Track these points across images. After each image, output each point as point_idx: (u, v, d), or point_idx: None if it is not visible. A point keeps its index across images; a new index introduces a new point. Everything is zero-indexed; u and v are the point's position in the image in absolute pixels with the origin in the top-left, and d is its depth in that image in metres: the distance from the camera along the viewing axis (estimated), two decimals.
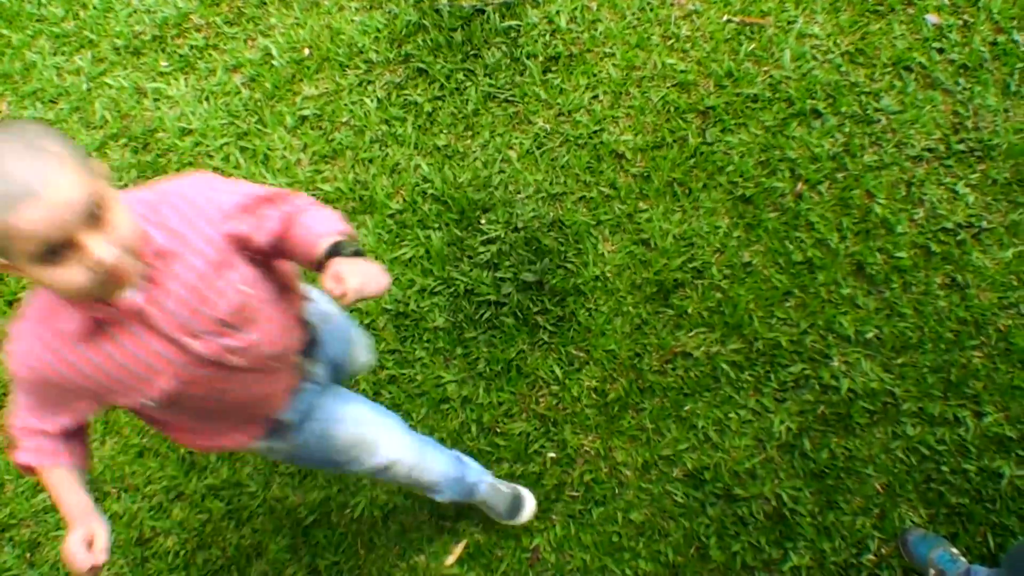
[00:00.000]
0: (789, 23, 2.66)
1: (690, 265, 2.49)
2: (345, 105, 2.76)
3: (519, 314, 2.51)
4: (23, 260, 1.00)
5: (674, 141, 2.59)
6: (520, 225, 2.57)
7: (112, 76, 2.92)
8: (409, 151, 2.69)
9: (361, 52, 2.81)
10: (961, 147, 2.49)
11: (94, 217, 1.01)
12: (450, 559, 2.39)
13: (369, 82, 2.78)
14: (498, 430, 2.46)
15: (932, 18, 2.61)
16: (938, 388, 2.34)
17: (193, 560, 2.46)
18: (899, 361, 2.37)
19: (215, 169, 2.74)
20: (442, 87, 2.74)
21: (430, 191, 2.64)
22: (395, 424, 1.86)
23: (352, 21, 2.85)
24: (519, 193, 2.61)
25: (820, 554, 2.29)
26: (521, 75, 2.72)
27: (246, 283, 1.31)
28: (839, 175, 2.51)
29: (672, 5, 2.73)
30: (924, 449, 2.31)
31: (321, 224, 1.32)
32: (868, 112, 2.55)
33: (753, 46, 2.65)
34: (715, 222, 2.51)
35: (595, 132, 2.63)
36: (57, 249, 0.99)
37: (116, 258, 1.04)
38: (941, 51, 2.58)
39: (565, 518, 2.40)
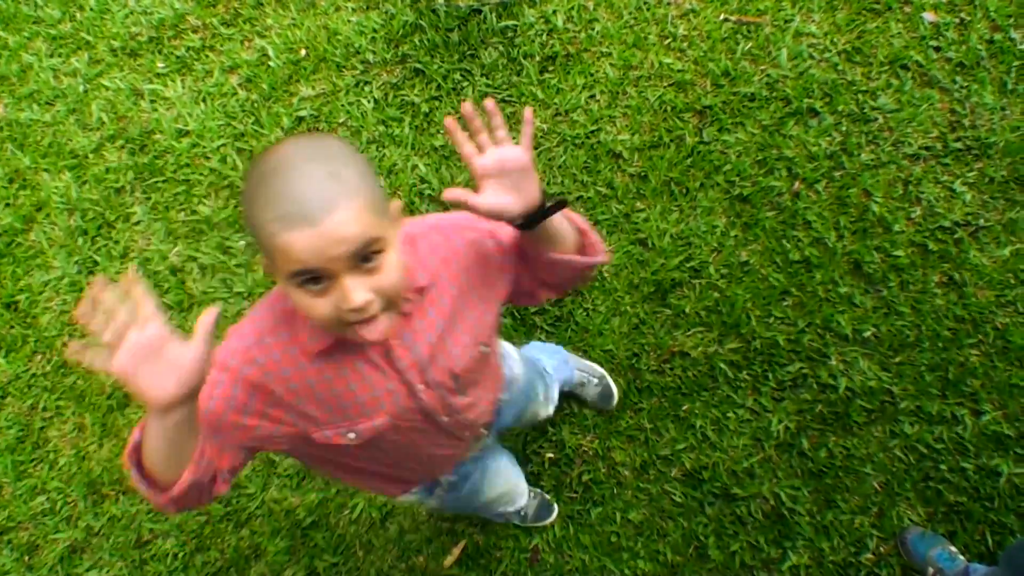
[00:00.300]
0: (786, 22, 2.66)
1: (687, 265, 2.49)
2: (342, 106, 2.76)
3: (516, 314, 2.51)
4: (282, 273, 0.98)
5: (671, 141, 2.58)
6: None
7: (109, 78, 2.92)
8: (406, 152, 2.69)
9: (358, 53, 2.81)
10: (958, 145, 2.49)
11: (364, 259, 0.97)
12: (449, 560, 2.39)
13: (366, 83, 2.78)
14: None
15: (929, 16, 2.61)
16: (936, 386, 2.34)
17: (192, 562, 2.46)
18: (897, 359, 2.37)
19: (212, 170, 2.74)
20: (439, 87, 2.73)
21: (427, 192, 2.64)
22: (521, 473, 1.92)
23: (349, 22, 2.85)
24: None
25: (819, 553, 2.29)
26: (518, 75, 2.72)
27: (483, 339, 1.27)
28: (836, 174, 2.51)
29: (669, 4, 2.73)
30: (922, 447, 2.31)
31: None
32: (865, 111, 2.54)
33: (750, 45, 2.65)
34: (712, 221, 2.51)
35: (592, 132, 2.63)
36: (317, 278, 0.97)
37: (370, 304, 1.00)
38: (938, 49, 2.58)
39: (564, 518, 2.40)
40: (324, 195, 0.93)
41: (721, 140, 2.57)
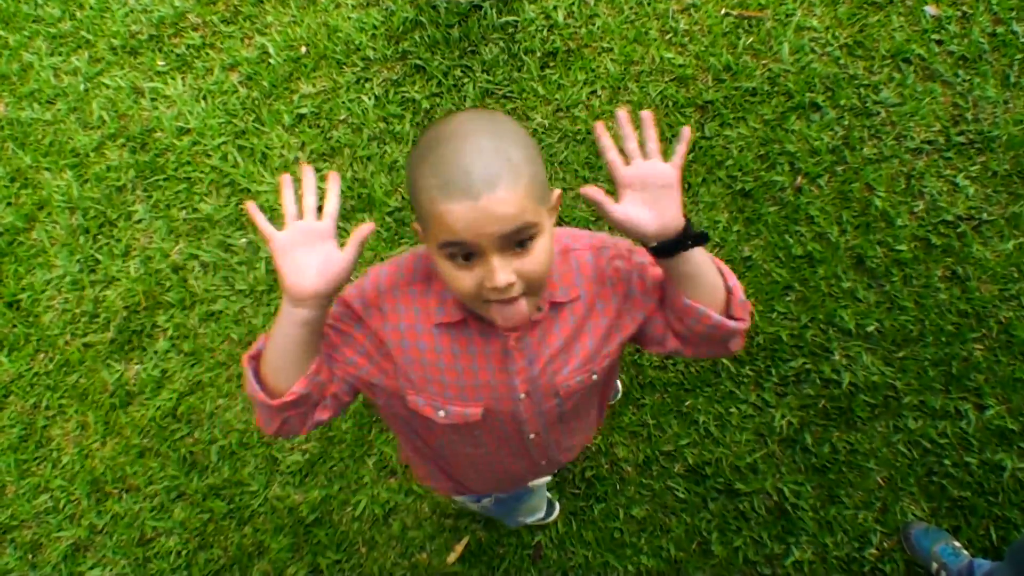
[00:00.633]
0: (787, 16, 2.65)
1: None
2: (343, 103, 2.75)
3: None
4: (432, 240, 0.98)
5: (673, 136, 2.58)
6: None
7: (109, 76, 2.91)
8: (407, 148, 2.69)
9: (358, 49, 2.80)
10: (961, 139, 2.48)
11: (515, 242, 0.96)
12: (452, 556, 2.38)
13: (367, 79, 2.78)
14: None
15: (931, 9, 2.60)
16: (939, 381, 2.34)
17: (195, 560, 2.46)
18: (900, 354, 2.36)
19: (213, 168, 2.74)
20: (440, 84, 2.73)
21: None
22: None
23: (349, 18, 2.84)
24: None
25: (822, 548, 2.29)
26: (519, 71, 2.71)
27: (596, 367, 1.23)
28: (839, 168, 2.50)
29: None
30: (926, 442, 2.30)
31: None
32: (867, 105, 2.54)
33: (751, 40, 2.64)
34: (715, 216, 2.50)
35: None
36: (467, 253, 0.96)
37: (512, 287, 0.99)
38: (940, 43, 2.57)
39: (567, 515, 2.39)
40: (489, 170, 0.92)
41: (723, 135, 2.56)
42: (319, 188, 0.97)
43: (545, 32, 2.73)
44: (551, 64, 2.71)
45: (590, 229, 2.50)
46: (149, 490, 2.52)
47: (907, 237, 2.42)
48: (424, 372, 1.16)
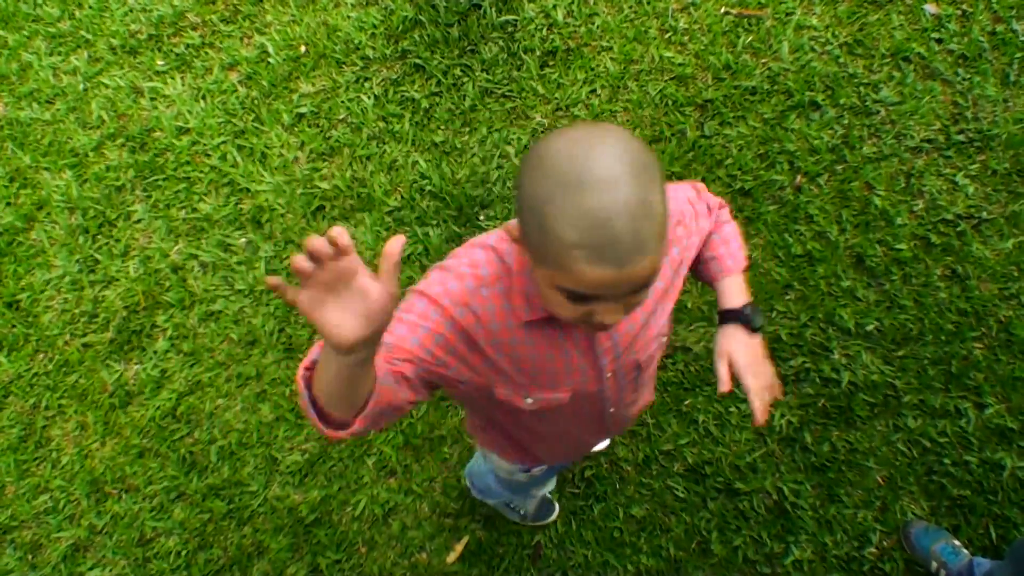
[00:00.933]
0: (787, 15, 2.65)
1: None
2: (342, 102, 2.75)
3: None
4: (550, 279, 0.92)
5: (672, 135, 2.57)
6: None
7: (108, 76, 2.91)
8: (406, 148, 2.68)
9: (358, 49, 2.80)
10: (960, 138, 2.48)
11: (633, 291, 0.93)
12: (452, 556, 2.38)
13: (366, 79, 2.77)
14: None
15: (930, 8, 2.60)
16: (939, 380, 2.33)
17: (195, 560, 2.46)
18: (900, 353, 2.36)
19: (213, 168, 2.74)
20: (439, 83, 2.73)
21: (428, 188, 2.63)
22: None
23: (348, 17, 2.84)
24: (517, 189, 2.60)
25: (822, 547, 2.29)
26: (518, 70, 2.71)
27: (664, 332, 1.27)
28: (838, 167, 2.50)
29: None
30: (925, 441, 2.30)
31: (730, 255, 1.35)
32: (867, 103, 2.53)
33: (751, 38, 2.64)
34: None
35: None
36: (584, 297, 0.93)
37: (618, 322, 1.01)
38: (940, 41, 2.57)
39: (566, 514, 2.39)
40: (638, 239, 0.85)
41: (722, 134, 2.56)
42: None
43: (545, 31, 2.73)
44: (551, 63, 2.71)
45: None
46: (149, 490, 2.52)
47: (907, 236, 2.42)
48: (515, 366, 1.17)
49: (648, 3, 2.72)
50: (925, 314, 2.37)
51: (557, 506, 2.37)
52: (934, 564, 2.15)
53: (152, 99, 2.87)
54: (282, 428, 2.50)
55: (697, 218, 1.30)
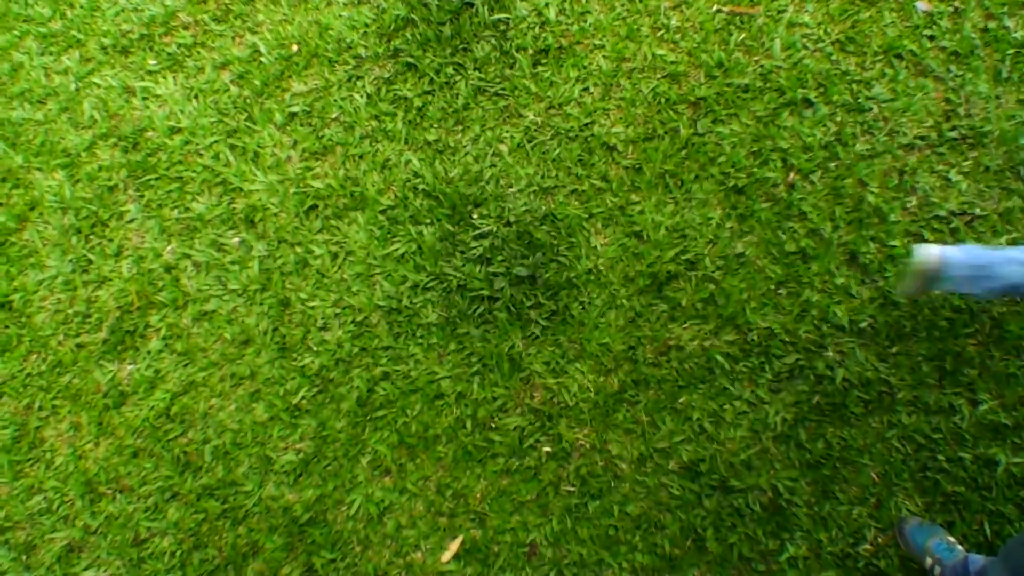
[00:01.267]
0: (779, 12, 2.65)
1: (683, 257, 2.48)
2: (334, 101, 2.75)
3: (512, 309, 2.50)
4: None
5: (665, 132, 2.57)
6: (512, 219, 2.56)
7: (100, 75, 2.90)
8: (399, 146, 2.68)
9: (350, 47, 2.79)
10: (953, 134, 2.48)
11: None
12: (446, 555, 2.38)
13: (358, 78, 2.77)
14: (493, 425, 2.45)
15: (922, 5, 2.60)
16: (933, 376, 2.34)
17: (189, 560, 2.45)
18: (894, 350, 2.36)
19: (205, 167, 2.73)
20: (432, 81, 2.72)
21: (421, 186, 2.63)
22: None
23: (340, 16, 2.83)
24: (510, 187, 2.60)
25: (816, 544, 2.29)
26: (511, 68, 2.71)
27: None
28: (831, 164, 2.50)
29: None
30: (920, 438, 2.31)
31: None
32: (859, 101, 2.53)
33: (743, 36, 2.64)
34: (707, 213, 2.50)
35: (586, 125, 2.62)
36: None
37: None
38: (932, 38, 2.57)
39: (562, 512, 2.39)
40: None
41: (715, 131, 2.56)
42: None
43: (537, 29, 2.73)
44: (543, 61, 2.71)
45: (582, 226, 2.50)
46: (143, 490, 2.51)
47: (900, 233, 2.43)
48: None
49: (640, 1, 2.71)
50: (919, 311, 2.37)
51: None
52: (928, 560, 2.15)
53: (144, 99, 2.86)
54: (276, 427, 2.50)
55: None
